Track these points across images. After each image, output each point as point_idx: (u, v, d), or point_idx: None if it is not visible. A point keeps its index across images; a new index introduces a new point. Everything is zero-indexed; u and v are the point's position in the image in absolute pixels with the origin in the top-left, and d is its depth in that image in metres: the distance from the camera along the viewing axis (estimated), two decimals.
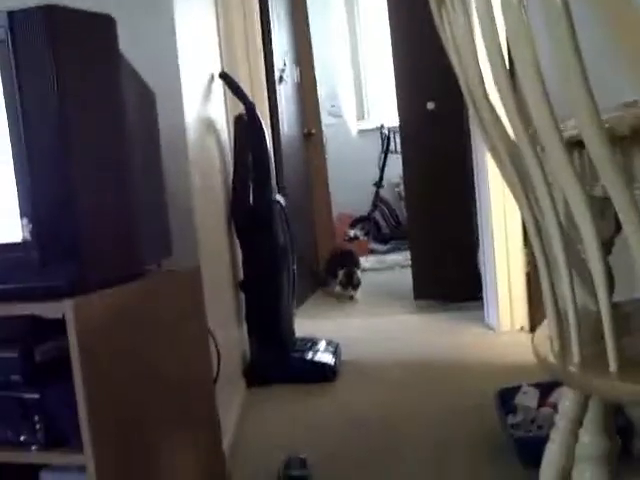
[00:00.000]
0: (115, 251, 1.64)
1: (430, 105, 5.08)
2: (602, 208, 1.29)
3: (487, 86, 1.13)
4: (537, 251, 1.18)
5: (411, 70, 5.19)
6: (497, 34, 1.01)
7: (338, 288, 5.86)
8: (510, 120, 1.06)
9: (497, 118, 1.16)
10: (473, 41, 1.11)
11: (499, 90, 1.04)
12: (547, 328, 1.22)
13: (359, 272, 5.97)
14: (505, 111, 1.06)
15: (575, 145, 1.13)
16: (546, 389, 2.52)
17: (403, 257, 7.14)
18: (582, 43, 0.87)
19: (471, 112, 1.24)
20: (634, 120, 1.04)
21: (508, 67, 1.02)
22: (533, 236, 1.17)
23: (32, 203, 1.48)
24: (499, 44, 1.01)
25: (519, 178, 1.15)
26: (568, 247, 1.10)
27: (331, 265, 6.07)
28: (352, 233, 8.53)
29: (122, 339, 1.61)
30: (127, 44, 1.68)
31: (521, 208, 1.19)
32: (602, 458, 1.58)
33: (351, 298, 5.79)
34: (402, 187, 6.09)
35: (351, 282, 5.83)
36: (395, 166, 7.37)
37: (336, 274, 5.89)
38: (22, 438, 1.62)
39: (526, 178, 1.12)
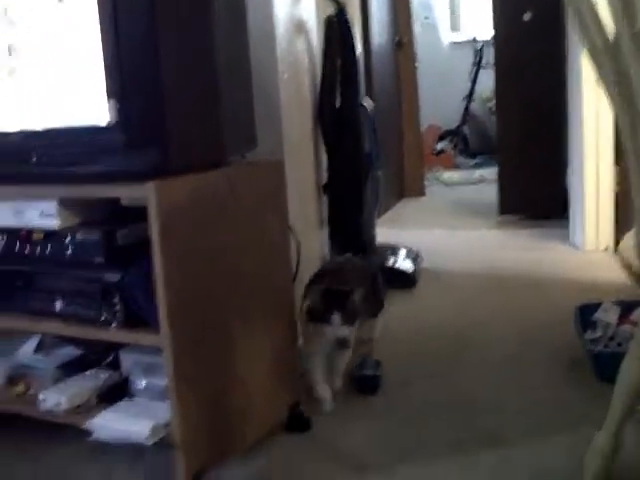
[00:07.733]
0: (199, 138, 1.65)
1: (526, 16, 4.92)
2: None
3: None
4: (631, 154, 1.14)
5: None
6: None
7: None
8: (613, 16, 1.01)
9: (597, 15, 1.11)
10: None
11: None
12: (634, 236, 1.19)
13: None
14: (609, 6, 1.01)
15: None
16: (627, 307, 2.47)
17: (489, 173, 7.05)
18: None
19: (570, 11, 1.19)
20: None
21: None
22: (628, 138, 1.13)
23: (120, 85, 1.49)
24: None
25: (617, 78, 1.11)
26: None
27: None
28: (439, 146, 8.46)
29: (202, 224, 1.63)
30: None
31: (617, 109, 1.14)
32: None
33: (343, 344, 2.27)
34: (494, 102, 5.92)
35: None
36: (486, 81, 7.23)
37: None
38: (103, 317, 1.67)
39: (624, 77, 1.08)
